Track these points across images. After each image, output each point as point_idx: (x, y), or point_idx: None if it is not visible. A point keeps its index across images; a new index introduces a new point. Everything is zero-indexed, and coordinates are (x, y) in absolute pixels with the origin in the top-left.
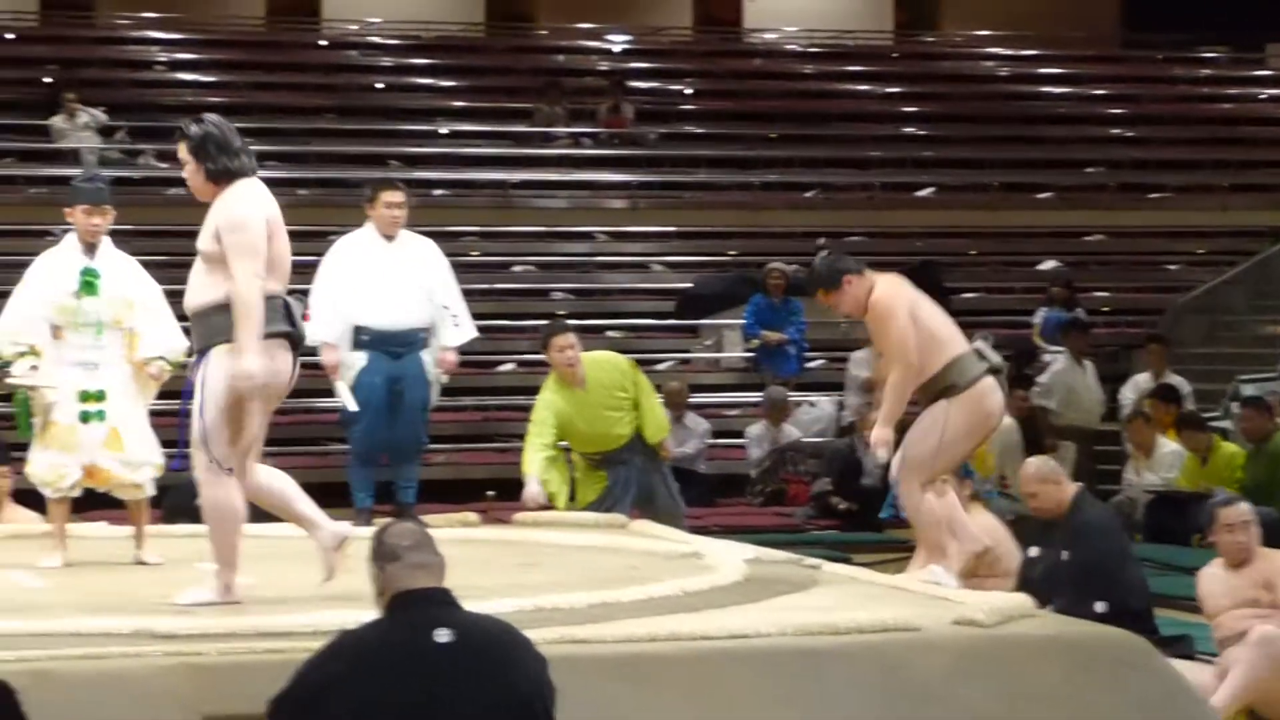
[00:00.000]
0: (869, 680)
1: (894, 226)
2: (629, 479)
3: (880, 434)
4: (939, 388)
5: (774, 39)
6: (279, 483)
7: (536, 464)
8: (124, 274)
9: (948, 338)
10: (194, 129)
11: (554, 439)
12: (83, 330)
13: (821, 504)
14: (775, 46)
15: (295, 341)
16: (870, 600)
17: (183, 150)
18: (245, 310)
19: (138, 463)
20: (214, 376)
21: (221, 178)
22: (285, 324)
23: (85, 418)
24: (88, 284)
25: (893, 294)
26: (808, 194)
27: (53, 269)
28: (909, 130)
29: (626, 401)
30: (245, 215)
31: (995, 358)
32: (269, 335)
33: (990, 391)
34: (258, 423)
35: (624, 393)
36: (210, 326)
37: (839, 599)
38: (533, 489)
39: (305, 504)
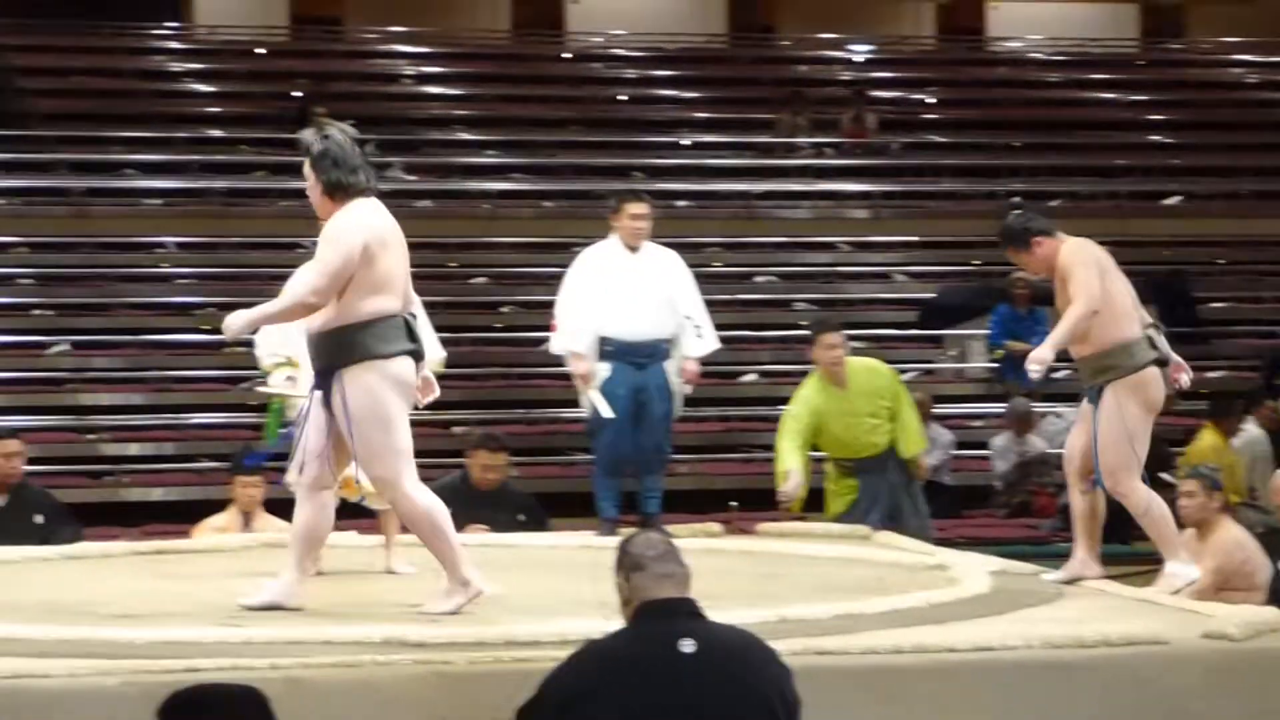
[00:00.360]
0: (1116, 694)
1: (1141, 235)
2: (879, 492)
3: (1041, 354)
4: (1103, 364)
5: (1018, 47)
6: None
7: (796, 457)
8: None
9: (1127, 315)
10: (316, 144)
11: (808, 439)
12: None
13: (1068, 516)
14: (1019, 55)
15: (418, 357)
16: (1118, 613)
17: (306, 165)
18: (280, 301)
19: None
20: (358, 396)
21: (337, 192)
22: (409, 342)
23: None
24: None
25: (1083, 249)
26: (1053, 203)
27: None
28: (1156, 138)
29: (886, 410)
30: (338, 233)
31: (1165, 347)
32: (396, 354)
33: (1154, 380)
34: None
35: (885, 402)
36: (336, 346)
37: (1086, 612)
38: (794, 481)
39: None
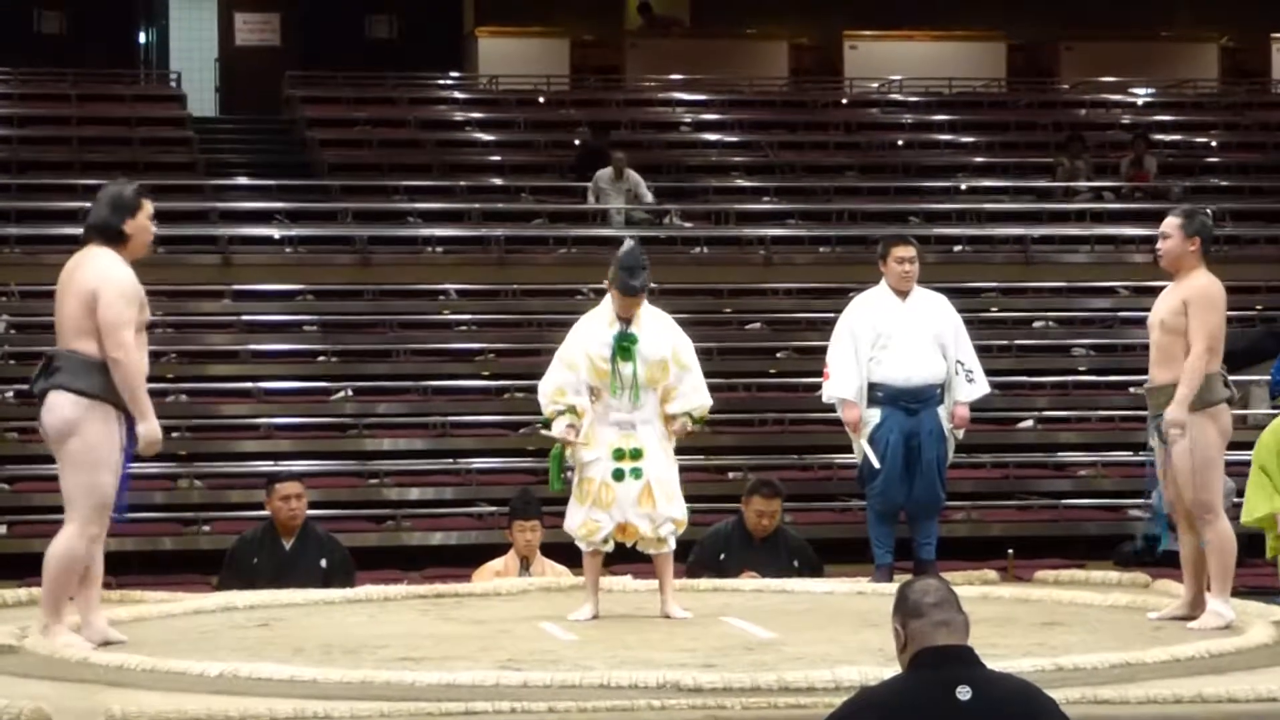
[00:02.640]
0: None
1: None
2: None
3: (1178, 416)
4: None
5: None
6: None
7: None
8: (658, 335)
9: (1216, 352)
10: None
11: None
12: (620, 393)
13: None
14: None
15: (34, 396)
16: None
17: None
18: None
19: (661, 518)
20: None
21: None
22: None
23: (619, 475)
24: (624, 349)
25: (1219, 288)
26: None
27: (591, 332)
28: None
29: None
30: None
31: (1232, 388)
32: None
33: (1225, 411)
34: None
35: None
36: None
37: None
38: None
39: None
